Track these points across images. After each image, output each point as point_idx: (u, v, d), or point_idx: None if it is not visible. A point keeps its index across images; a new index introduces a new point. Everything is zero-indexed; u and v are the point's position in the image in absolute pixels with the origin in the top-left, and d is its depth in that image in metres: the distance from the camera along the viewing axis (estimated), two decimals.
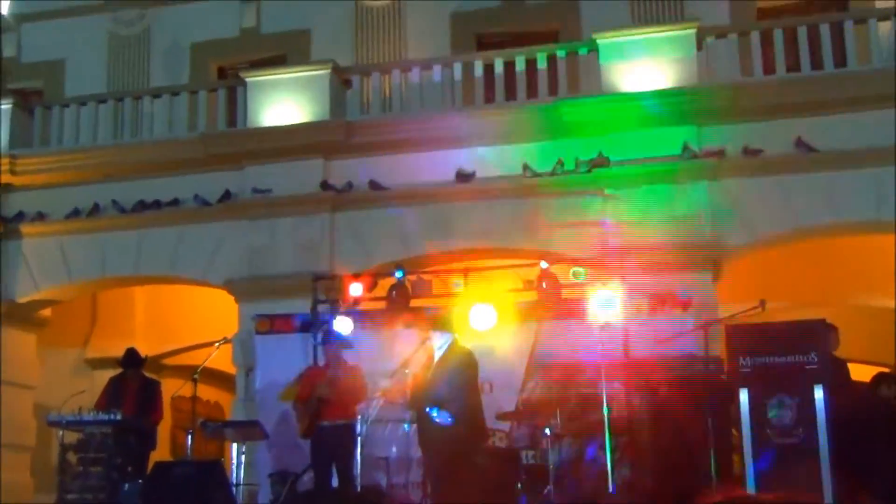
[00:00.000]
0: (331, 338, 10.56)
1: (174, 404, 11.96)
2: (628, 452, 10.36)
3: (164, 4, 17.68)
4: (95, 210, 14.32)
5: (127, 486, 9.98)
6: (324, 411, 9.91)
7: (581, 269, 11.26)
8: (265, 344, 12.29)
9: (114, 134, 14.90)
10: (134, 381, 11.31)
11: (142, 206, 14.13)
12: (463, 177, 13.05)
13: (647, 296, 11.24)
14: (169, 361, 15.64)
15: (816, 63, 12.60)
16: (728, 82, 12.64)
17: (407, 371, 8.90)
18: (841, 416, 8.54)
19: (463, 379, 8.39)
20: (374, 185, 13.36)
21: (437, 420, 8.15)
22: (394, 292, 11.69)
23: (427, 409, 8.25)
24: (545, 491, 9.23)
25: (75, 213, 14.37)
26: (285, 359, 11.69)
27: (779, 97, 12.39)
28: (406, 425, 10.07)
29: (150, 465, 10.36)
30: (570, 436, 10.61)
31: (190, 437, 10.72)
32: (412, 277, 11.90)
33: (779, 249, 12.79)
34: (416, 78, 13.92)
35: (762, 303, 9.21)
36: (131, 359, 11.40)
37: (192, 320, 15.39)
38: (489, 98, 13.66)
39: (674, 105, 12.48)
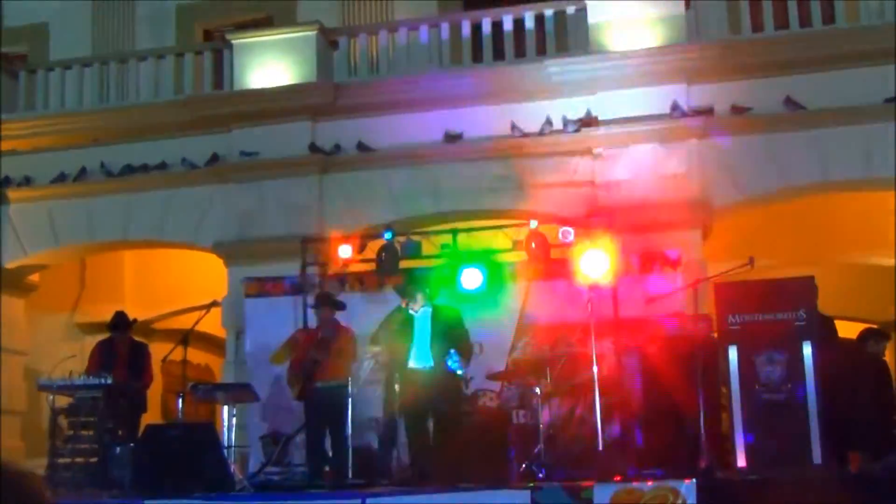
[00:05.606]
0: (322, 300, 10.55)
1: (165, 368, 11.92)
2: (617, 411, 10.42)
3: None
4: (82, 174, 14.25)
5: (118, 449, 10.01)
6: (317, 373, 9.93)
7: (570, 229, 11.27)
8: (255, 307, 12.31)
9: (100, 98, 14.80)
10: (123, 344, 11.32)
11: (129, 169, 14.07)
12: (451, 137, 13.00)
13: (636, 255, 11.26)
14: (159, 325, 15.61)
15: (805, 20, 12.54)
16: (716, 40, 12.58)
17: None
18: (829, 372, 8.59)
19: (467, 334, 9.15)
20: (362, 146, 13.31)
21: (452, 367, 8.60)
22: (383, 254, 11.67)
23: (450, 351, 8.85)
24: (535, 450, 9.27)
25: (62, 178, 14.28)
26: (275, 321, 11.71)
27: (767, 55, 12.35)
28: (396, 387, 10.11)
29: (141, 428, 10.39)
30: (560, 395, 10.67)
31: (181, 400, 10.72)
32: (401, 239, 11.87)
33: (768, 207, 12.79)
34: (404, 38, 13.83)
35: (751, 260, 9.21)
36: (120, 322, 11.40)
37: (182, 284, 15.36)
38: (477, 58, 13.59)
39: (662, 63, 12.43)
